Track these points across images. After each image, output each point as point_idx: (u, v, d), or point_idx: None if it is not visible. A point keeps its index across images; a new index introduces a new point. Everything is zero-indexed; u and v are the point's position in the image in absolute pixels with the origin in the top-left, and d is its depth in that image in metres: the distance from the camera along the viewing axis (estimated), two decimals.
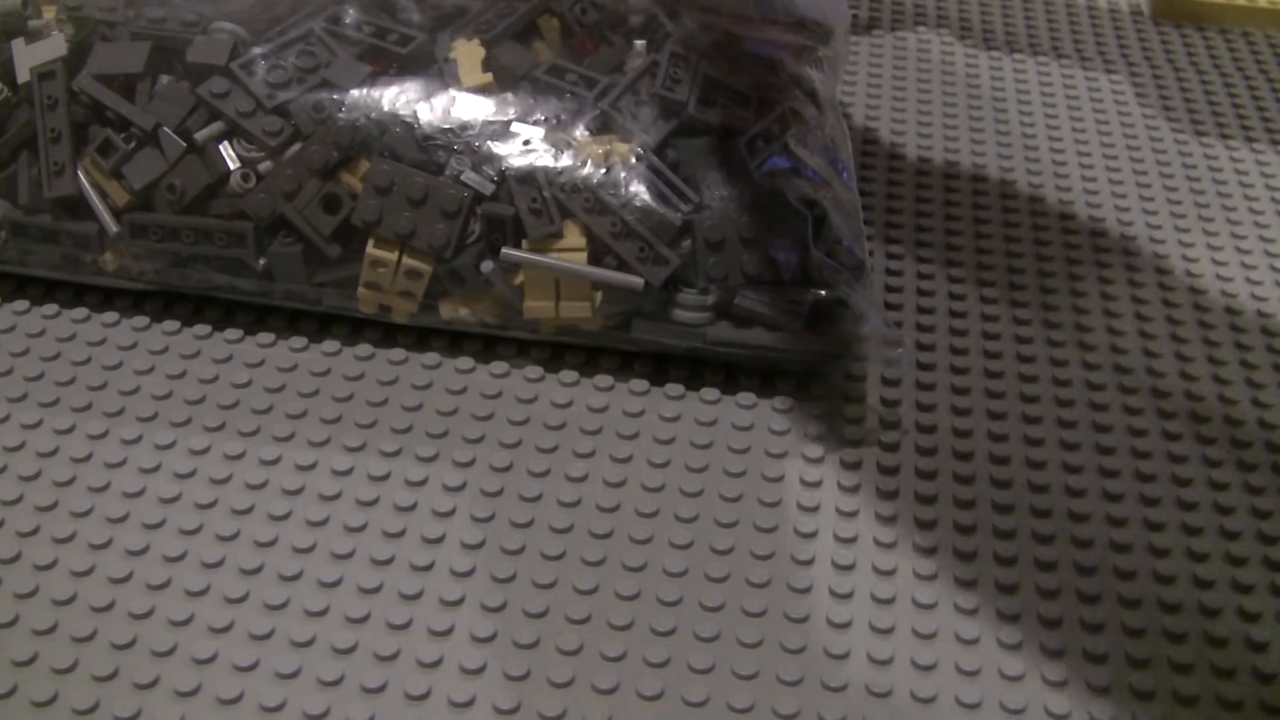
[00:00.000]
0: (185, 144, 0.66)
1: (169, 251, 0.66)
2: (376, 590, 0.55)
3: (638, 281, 0.63)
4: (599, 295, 0.65)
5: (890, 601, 0.56)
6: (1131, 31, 1.00)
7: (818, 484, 0.61)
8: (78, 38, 0.68)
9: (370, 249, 0.65)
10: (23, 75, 0.67)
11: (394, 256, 0.65)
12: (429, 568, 0.56)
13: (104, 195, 0.66)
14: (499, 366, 0.66)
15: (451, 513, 0.59)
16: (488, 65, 0.67)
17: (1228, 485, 0.62)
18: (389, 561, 0.57)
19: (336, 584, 0.55)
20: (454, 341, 0.67)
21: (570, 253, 0.64)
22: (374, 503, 0.59)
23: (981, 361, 0.68)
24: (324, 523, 0.58)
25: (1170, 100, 0.91)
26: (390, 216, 0.64)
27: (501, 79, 0.67)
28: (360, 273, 0.65)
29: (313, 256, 0.66)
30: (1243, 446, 0.64)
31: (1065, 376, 0.67)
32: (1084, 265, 0.75)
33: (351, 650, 0.53)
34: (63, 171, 0.66)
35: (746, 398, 0.65)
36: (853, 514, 0.60)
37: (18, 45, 0.68)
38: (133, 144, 0.66)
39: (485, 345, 0.67)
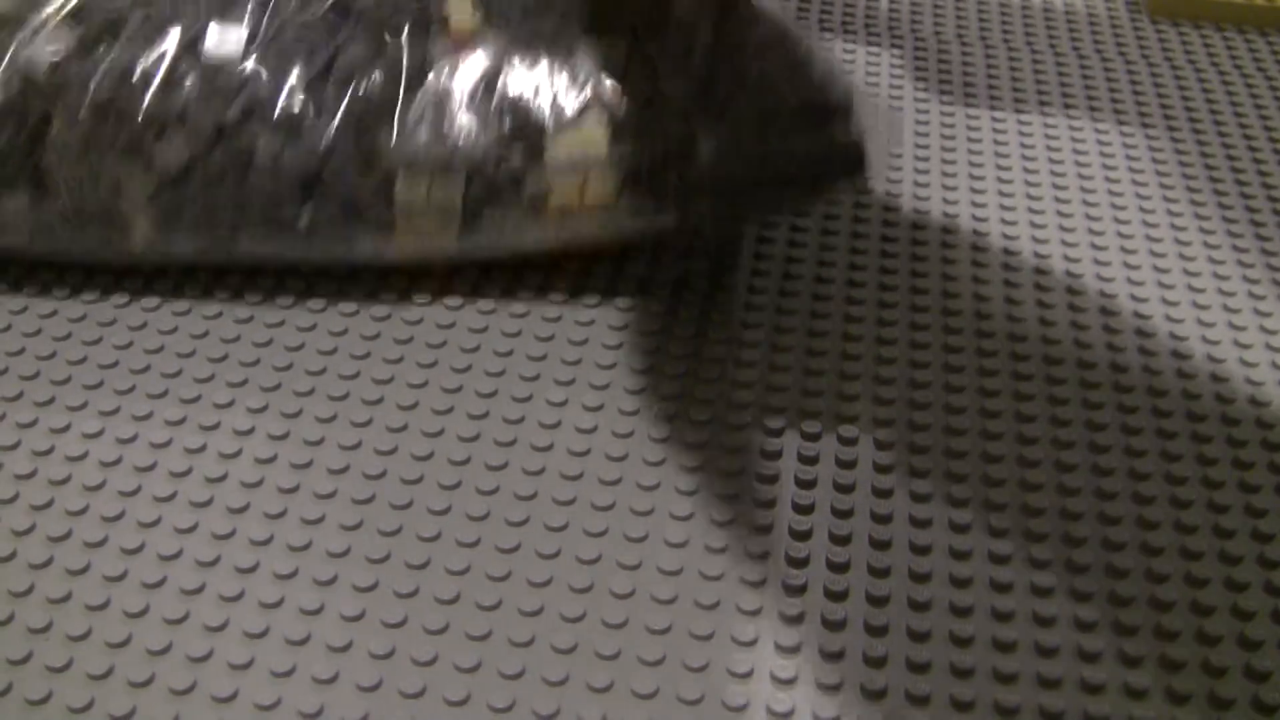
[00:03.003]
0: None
1: (207, 229, 0.67)
2: (372, 588, 0.56)
3: None
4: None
5: (885, 601, 0.56)
6: (1129, 29, 1.00)
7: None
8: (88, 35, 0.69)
9: (400, 187, 0.66)
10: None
11: (425, 191, 0.66)
12: (424, 565, 0.57)
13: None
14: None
15: (446, 511, 0.59)
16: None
17: (1222, 484, 0.62)
18: (384, 559, 0.57)
19: (331, 582, 0.56)
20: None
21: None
22: (368, 501, 0.59)
23: (978, 361, 0.68)
24: (319, 521, 0.58)
25: (1167, 98, 0.91)
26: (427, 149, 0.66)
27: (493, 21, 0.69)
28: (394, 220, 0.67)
29: (350, 214, 0.67)
30: (1238, 445, 0.64)
31: (1060, 375, 0.67)
32: (1081, 263, 0.75)
33: (347, 648, 0.53)
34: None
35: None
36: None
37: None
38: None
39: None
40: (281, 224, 0.67)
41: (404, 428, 0.63)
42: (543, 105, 0.67)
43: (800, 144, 0.69)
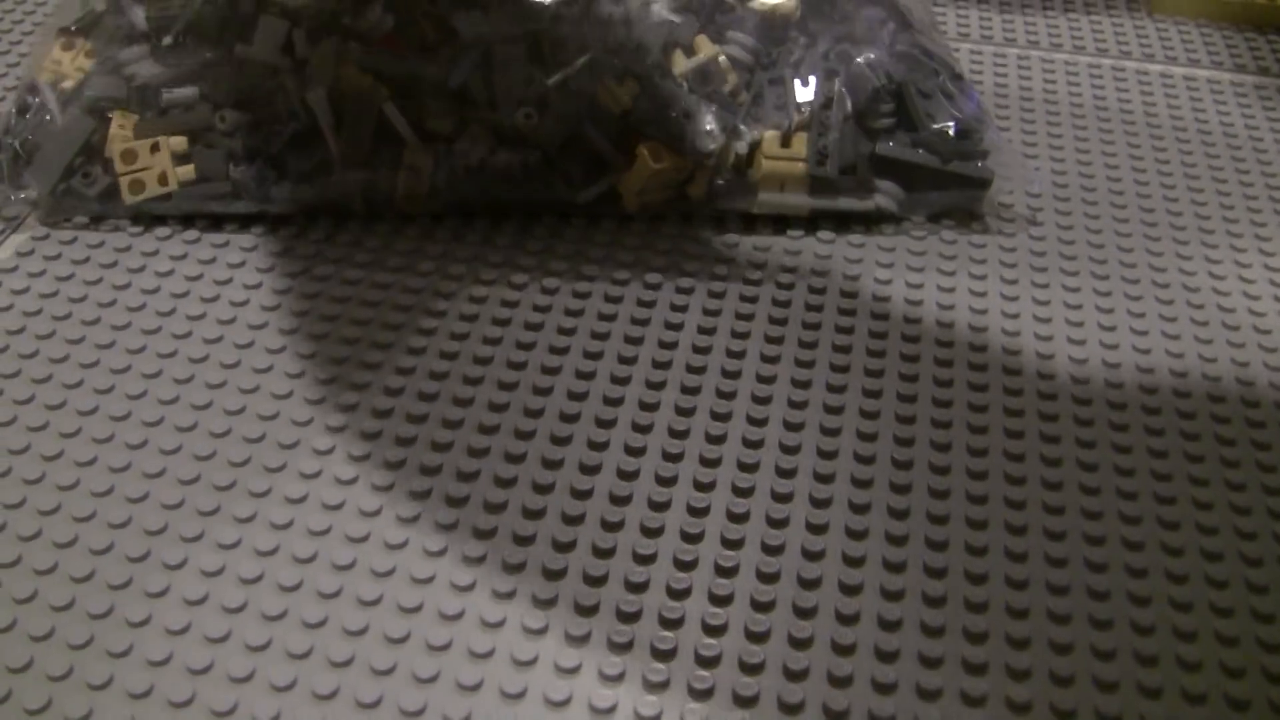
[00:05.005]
0: None
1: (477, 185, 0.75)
2: (376, 602, 0.55)
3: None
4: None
5: (899, 595, 0.56)
6: (1129, 27, 1.00)
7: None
8: None
9: (649, 162, 0.73)
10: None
11: (668, 164, 0.73)
12: (430, 580, 0.56)
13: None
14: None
15: (454, 525, 0.59)
16: None
17: (1244, 486, 0.62)
18: (390, 572, 0.56)
19: (336, 595, 0.56)
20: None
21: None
22: (375, 512, 0.59)
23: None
24: (325, 532, 0.58)
25: (1175, 96, 0.91)
26: (662, 124, 0.73)
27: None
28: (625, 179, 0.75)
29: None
30: (1263, 449, 0.64)
31: (1083, 375, 0.67)
32: (1079, 260, 0.75)
33: (348, 663, 0.53)
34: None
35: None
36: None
37: None
38: None
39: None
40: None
41: (414, 440, 0.63)
42: (777, 111, 0.76)
43: (946, 160, 0.76)
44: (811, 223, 0.77)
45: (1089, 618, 0.55)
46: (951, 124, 0.77)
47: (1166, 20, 1.02)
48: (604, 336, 0.68)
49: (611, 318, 0.69)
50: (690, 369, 0.66)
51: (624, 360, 0.67)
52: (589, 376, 0.66)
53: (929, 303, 0.71)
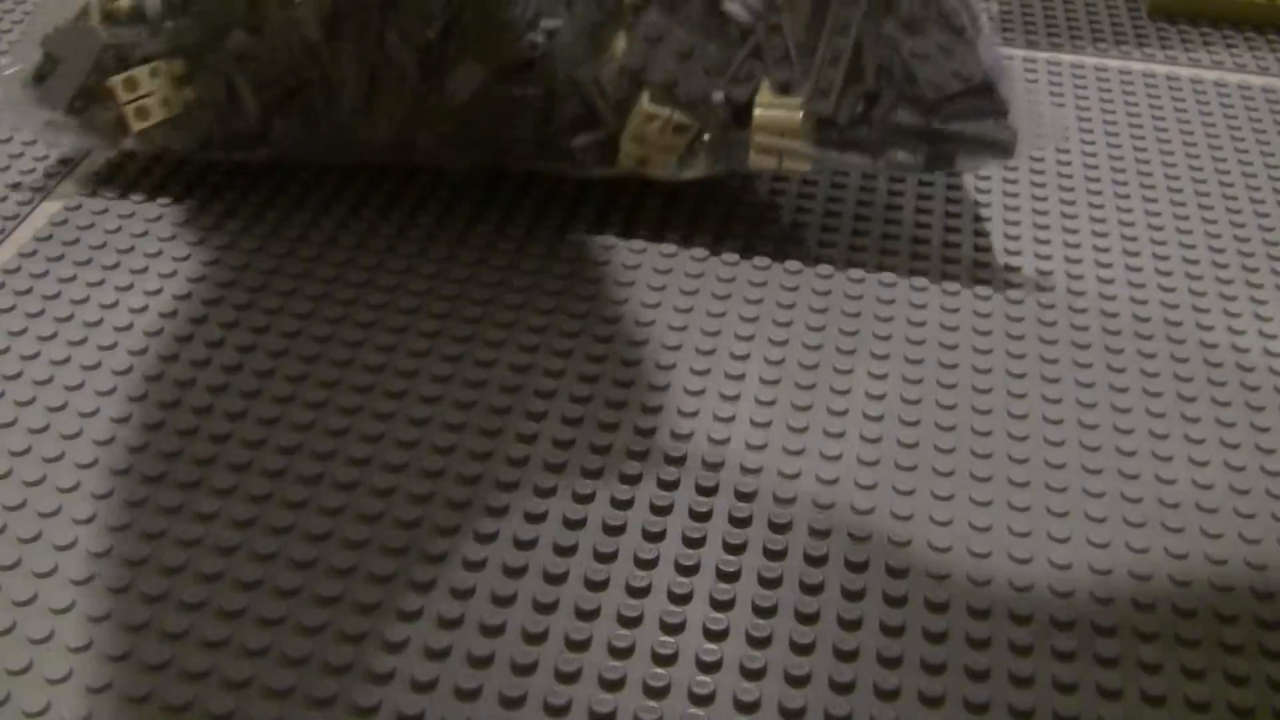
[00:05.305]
0: None
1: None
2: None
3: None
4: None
5: (902, 601, 0.56)
6: (1129, 26, 1.00)
7: None
8: None
9: (645, 105, 0.70)
10: None
11: (667, 112, 0.70)
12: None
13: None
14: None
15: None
16: None
17: (1249, 491, 0.61)
18: (390, 577, 0.56)
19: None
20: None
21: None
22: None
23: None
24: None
25: (1181, 96, 0.91)
26: (656, 65, 0.69)
27: None
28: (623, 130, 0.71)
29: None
30: (1267, 454, 0.63)
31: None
32: (1082, 263, 0.75)
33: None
34: None
35: None
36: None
37: None
38: None
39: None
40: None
41: (415, 443, 0.63)
42: (766, 65, 0.71)
43: (961, 122, 0.71)
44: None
45: (1091, 624, 0.55)
46: (961, 85, 0.71)
47: (1164, 21, 1.02)
48: (601, 358, 0.68)
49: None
50: (694, 371, 0.67)
51: (627, 363, 0.67)
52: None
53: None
